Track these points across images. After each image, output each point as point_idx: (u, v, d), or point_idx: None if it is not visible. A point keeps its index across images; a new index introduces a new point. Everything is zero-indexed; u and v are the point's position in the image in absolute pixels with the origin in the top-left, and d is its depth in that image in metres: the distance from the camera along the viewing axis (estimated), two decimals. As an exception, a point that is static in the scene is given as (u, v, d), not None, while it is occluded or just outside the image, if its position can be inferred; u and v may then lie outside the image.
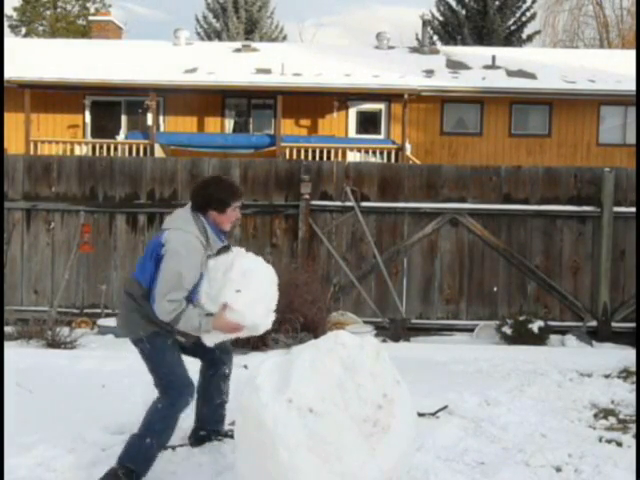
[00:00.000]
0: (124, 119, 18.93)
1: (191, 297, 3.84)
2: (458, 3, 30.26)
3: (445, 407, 5.22)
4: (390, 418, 3.27)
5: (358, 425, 3.19)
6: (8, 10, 33.02)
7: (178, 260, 3.73)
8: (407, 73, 18.14)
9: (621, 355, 7.50)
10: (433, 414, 5.07)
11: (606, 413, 5.39)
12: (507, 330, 8.72)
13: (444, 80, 18.31)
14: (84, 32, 30.77)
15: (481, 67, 19.18)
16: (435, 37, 29.54)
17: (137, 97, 18.03)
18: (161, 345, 3.92)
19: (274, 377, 3.31)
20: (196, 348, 4.07)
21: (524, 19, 30.32)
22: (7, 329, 8.15)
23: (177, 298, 3.74)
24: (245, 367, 4.06)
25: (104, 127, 18.68)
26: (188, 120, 18.71)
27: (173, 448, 4.30)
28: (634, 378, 6.36)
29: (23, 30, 34.21)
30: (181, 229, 3.81)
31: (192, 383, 3.96)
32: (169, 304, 3.73)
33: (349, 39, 48.39)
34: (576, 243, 9.30)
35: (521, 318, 8.78)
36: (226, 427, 4.44)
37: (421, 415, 4.56)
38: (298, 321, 7.67)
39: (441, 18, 30.75)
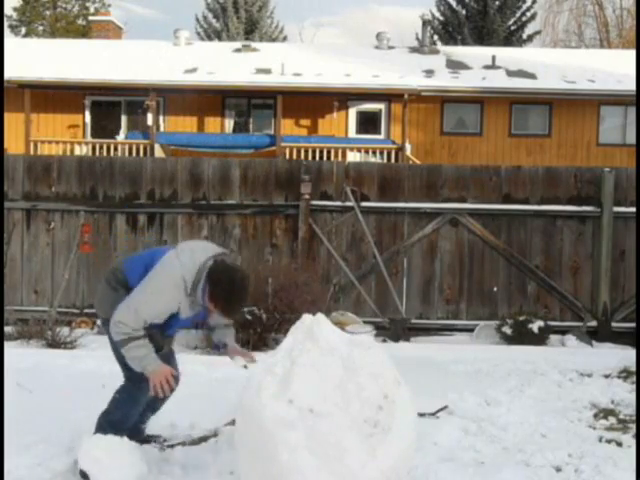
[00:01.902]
0: (124, 119, 18.93)
1: (164, 330, 3.84)
2: (458, 3, 30.25)
3: (445, 407, 5.22)
4: (391, 419, 3.24)
5: (359, 426, 3.17)
6: (8, 10, 33.03)
7: (154, 288, 3.68)
8: (407, 73, 18.13)
9: (621, 355, 7.50)
10: (433, 414, 5.07)
11: (606, 413, 5.39)
12: (507, 330, 8.72)
13: (444, 80, 18.31)
14: (84, 32, 30.75)
15: (481, 67, 19.18)
16: (435, 37, 29.53)
17: (137, 97, 18.03)
18: (142, 385, 3.83)
19: (275, 377, 3.28)
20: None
21: (524, 19, 30.30)
22: (7, 329, 8.15)
23: (129, 324, 3.65)
24: (245, 367, 4.05)
25: (104, 127, 18.69)
26: (188, 120, 18.71)
27: (172, 447, 4.31)
28: (634, 378, 6.35)
29: (23, 30, 34.19)
30: (181, 261, 3.73)
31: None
32: (120, 326, 3.66)
33: (349, 39, 48.34)
34: (576, 243, 9.30)
35: (521, 318, 8.78)
36: (223, 426, 4.45)
37: (421, 415, 4.56)
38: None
39: (441, 18, 30.73)
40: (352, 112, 18.79)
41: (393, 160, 17.11)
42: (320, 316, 3.51)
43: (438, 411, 5.14)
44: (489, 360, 7.25)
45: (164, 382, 3.71)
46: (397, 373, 3.46)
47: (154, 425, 4.78)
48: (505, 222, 9.31)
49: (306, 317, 3.51)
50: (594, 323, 9.18)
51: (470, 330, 9.13)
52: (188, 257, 3.74)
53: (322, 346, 3.34)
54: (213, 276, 3.69)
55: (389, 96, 18.04)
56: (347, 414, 3.17)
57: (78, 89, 18.05)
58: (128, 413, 3.98)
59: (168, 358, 4.06)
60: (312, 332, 3.39)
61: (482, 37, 28.67)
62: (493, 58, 19.18)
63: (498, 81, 18.23)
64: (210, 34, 31.77)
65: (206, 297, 3.71)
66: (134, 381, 3.87)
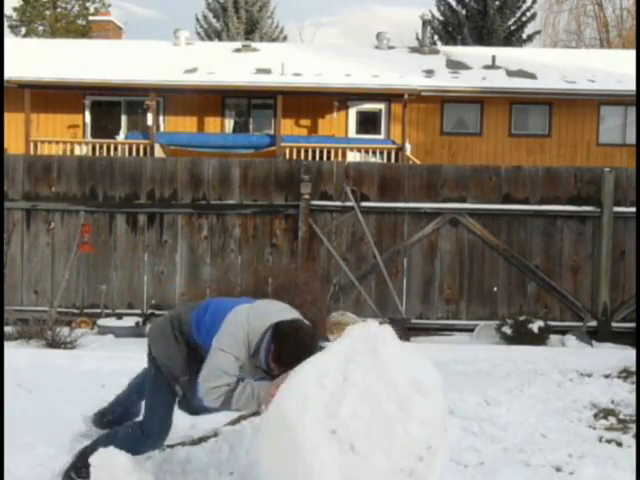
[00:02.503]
0: (124, 119, 18.93)
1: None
2: (458, 3, 30.26)
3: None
4: (428, 471, 3.05)
5: (394, 473, 2.98)
6: (8, 10, 33.02)
7: (224, 344, 3.45)
8: (407, 73, 18.13)
9: (621, 355, 7.51)
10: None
11: (606, 413, 5.39)
12: (507, 330, 8.72)
13: (444, 80, 18.31)
14: (84, 32, 30.75)
15: (481, 67, 19.18)
16: (435, 37, 29.54)
17: (137, 97, 18.03)
18: (163, 381, 3.76)
19: (324, 391, 3.03)
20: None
21: (524, 19, 30.31)
22: (7, 329, 8.15)
23: (222, 383, 3.43)
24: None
25: (104, 127, 18.68)
26: (188, 120, 18.71)
27: (171, 447, 4.31)
28: (634, 378, 6.35)
29: (23, 30, 34.18)
30: (249, 319, 3.50)
31: (165, 433, 3.81)
32: (216, 391, 3.43)
33: (349, 39, 48.38)
34: (576, 243, 9.30)
35: (521, 318, 8.78)
36: (223, 427, 4.43)
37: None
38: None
39: (441, 18, 30.74)
40: (352, 112, 18.79)
41: (393, 160, 17.11)
42: (387, 329, 3.25)
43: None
44: (489, 360, 7.25)
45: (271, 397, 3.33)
46: (446, 416, 3.28)
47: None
48: (505, 222, 9.31)
49: (372, 324, 3.26)
50: (594, 323, 9.18)
51: (470, 330, 9.13)
52: (258, 318, 3.52)
53: (382, 369, 3.10)
54: (279, 337, 3.42)
55: (389, 96, 18.04)
56: (386, 459, 2.99)
57: (78, 89, 18.04)
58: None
59: None
60: (375, 347, 3.14)
61: (482, 37, 28.68)
62: (493, 58, 19.18)
63: (498, 81, 18.23)
64: (210, 34, 31.77)
65: (270, 357, 3.45)
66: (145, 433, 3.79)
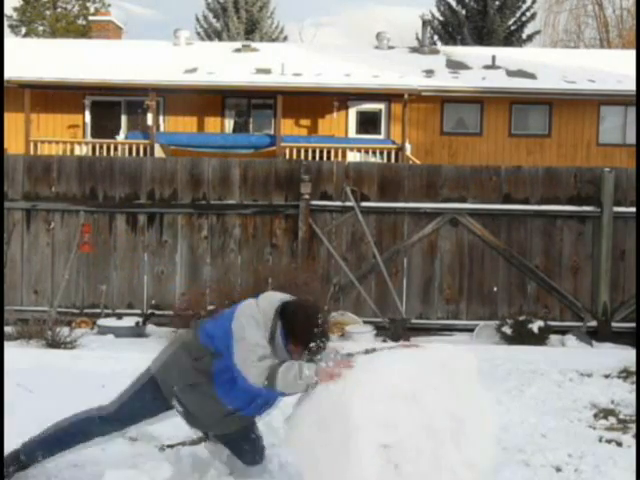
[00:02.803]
0: (124, 119, 18.93)
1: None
2: (458, 3, 30.26)
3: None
4: None
5: None
6: (8, 10, 33.01)
7: (246, 324, 3.44)
8: (407, 73, 18.13)
9: (621, 355, 7.51)
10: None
11: (606, 413, 5.39)
12: (507, 330, 8.72)
13: (444, 80, 18.32)
14: (84, 32, 30.74)
15: (481, 67, 19.18)
16: (435, 37, 29.55)
17: (137, 97, 18.03)
18: (150, 386, 3.70)
19: (390, 403, 2.97)
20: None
21: (524, 19, 30.32)
22: (7, 329, 8.14)
23: (259, 355, 3.36)
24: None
25: (104, 127, 18.69)
26: (188, 120, 18.72)
27: (171, 447, 4.30)
28: (634, 378, 6.36)
29: (23, 30, 34.18)
30: (259, 305, 3.53)
31: (123, 425, 3.76)
32: (254, 366, 3.36)
33: (349, 39, 48.33)
34: (576, 243, 9.30)
35: (521, 318, 8.78)
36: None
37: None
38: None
39: (441, 18, 30.75)
40: (352, 112, 18.79)
41: (393, 160, 17.11)
42: (470, 359, 3.25)
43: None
44: (489, 360, 7.24)
45: (335, 374, 3.21)
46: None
47: (155, 425, 4.77)
48: (505, 222, 9.31)
49: (443, 349, 3.26)
50: (594, 323, 9.17)
51: (470, 330, 9.13)
52: (266, 301, 3.56)
53: (451, 402, 3.04)
54: (287, 316, 3.46)
55: (389, 96, 18.04)
56: None
57: (78, 89, 18.05)
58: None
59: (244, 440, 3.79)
60: (453, 377, 3.10)
61: (482, 37, 28.68)
62: (493, 58, 19.18)
63: (498, 81, 18.23)
64: (210, 34, 31.78)
65: (289, 341, 3.44)
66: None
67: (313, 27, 64.17)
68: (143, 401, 3.73)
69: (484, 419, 3.14)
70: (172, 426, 4.62)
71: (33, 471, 4.02)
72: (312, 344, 3.40)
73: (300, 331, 3.42)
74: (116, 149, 17.54)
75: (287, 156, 16.92)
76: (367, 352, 3.35)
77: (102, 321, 8.94)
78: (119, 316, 9.10)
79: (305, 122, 18.74)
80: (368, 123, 18.75)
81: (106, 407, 3.78)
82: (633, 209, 9.09)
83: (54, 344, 7.93)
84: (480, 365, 7.17)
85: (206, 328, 3.66)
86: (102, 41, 21.72)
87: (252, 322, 3.43)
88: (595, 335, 9.06)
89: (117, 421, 3.76)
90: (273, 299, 3.57)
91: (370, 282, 9.32)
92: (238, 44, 21.88)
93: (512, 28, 29.98)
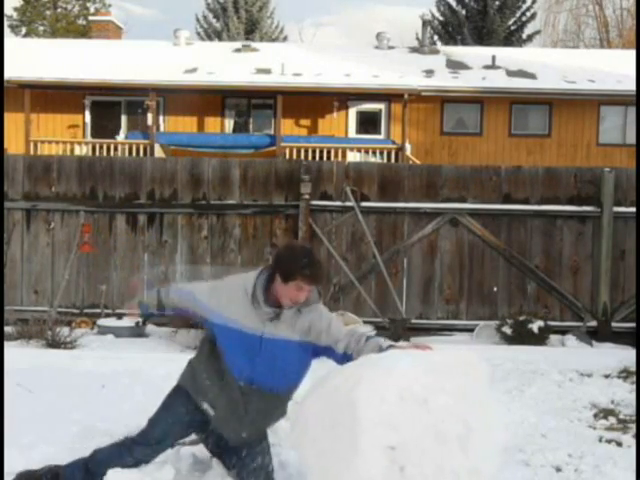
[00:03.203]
0: (124, 119, 18.94)
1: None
2: (458, 3, 30.26)
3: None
4: None
5: None
6: (8, 10, 33.02)
7: (216, 284, 3.64)
8: (407, 73, 18.13)
9: (621, 355, 7.51)
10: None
11: (606, 413, 5.39)
12: (507, 330, 8.72)
13: (444, 80, 18.31)
14: (84, 32, 30.75)
15: (481, 67, 19.18)
16: (435, 37, 29.54)
17: (137, 97, 18.04)
18: (179, 399, 3.69)
19: (401, 405, 2.96)
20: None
21: (524, 19, 30.32)
22: (7, 329, 8.15)
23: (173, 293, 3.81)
24: None
25: (104, 127, 18.69)
26: (188, 120, 18.72)
27: (171, 447, 4.30)
28: (634, 378, 6.36)
29: (23, 30, 34.19)
30: (243, 276, 3.56)
31: (162, 447, 3.68)
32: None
33: (349, 39, 48.36)
34: (576, 243, 9.30)
35: (521, 318, 8.78)
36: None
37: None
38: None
39: (441, 18, 30.75)
40: (352, 112, 18.79)
41: (393, 160, 17.11)
42: (485, 368, 3.22)
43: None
44: (489, 360, 7.22)
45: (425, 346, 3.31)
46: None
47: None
48: (505, 222, 9.31)
49: (457, 354, 3.28)
50: (594, 323, 9.17)
51: (470, 330, 9.13)
52: (249, 274, 3.54)
53: (464, 410, 3.03)
54: (272, 262, 3.47)
55: (389, 96, 18.04)
56: None
57: (78, 89, 18.05)
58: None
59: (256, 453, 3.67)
60: (467, 384, 3.08)
61: (482, 37, 28.68)
62: (493, 58, 19.18)
63: (498, 81, 18.23)
64: (210, 34, 31.78)
65: (275, 285, 3.37)
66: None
67: (313, 27, 64.26)
68: (174, 415, 3.66)
69: (493, 427, 3.13)
70: (166, 447, 4.63)
71: (33, 471, 4.02)
72: (303, 273, 3.31)
73: (285, 261, 3.36)
74: (116, 149, 17.54)
75: (287, 156, 16.92)
76: (381, 349, 3.30)
77: (102, 321, 8.94)
78: (119, 316, 9.09)
79: (305, 122, 18.74)
80: (368, 123, 18.75)
81: (138, 432, 3.73)
82: (633, 209, 9.09)
83: (54, 344, 7.93)
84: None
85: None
86: (102, 41, 21.73)
87: (233, 286, 3.51)
88: (595, 335, 9.06)
89: (149, 444, 3.66)
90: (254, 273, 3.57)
91: (370, 282, 9.32)
92: (238, 44, 21.88)
93: (512, 28, 29.98)
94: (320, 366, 3.52)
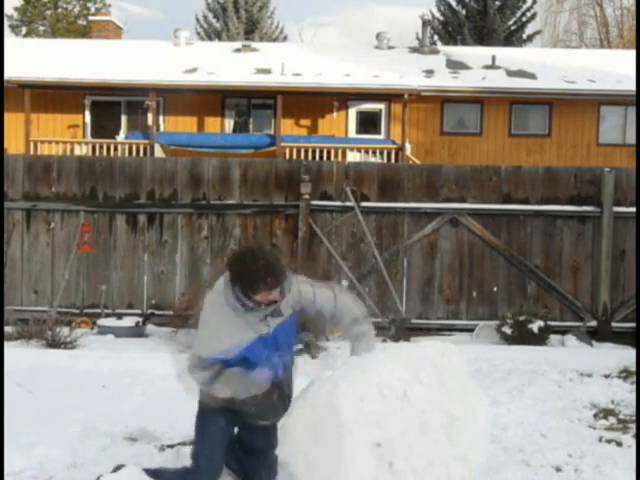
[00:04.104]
0: (124, 119, 18.93)
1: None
2: (458, 3, 30.26)
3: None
4: None
5: None
6: (9, 10, 33.04)
7: (202, 329, 3.42)
8: (407, 73, 18.13)
9: (621, 355, 7.51)
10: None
11: (606, 413, 5.40)
12: (507, 330, 8.71)
13: (444, 80, 18.31)
14: (84, 32, 30.77)
15: (481, 67, 19.18)
16: (435, 37, 29.54)
17: (137, 97, 18.03)
18: (207, 418, 3.58)
19: (381, 402, 2.98)
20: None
21: (524, 19, 30.30)
22: (7, 329, 8.15)
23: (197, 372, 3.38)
24: None
25: (104, 127, 18.69)
26: (188, 120, 18.71)
27: (172, 447, 4.31)
28: (634, 378, 6.36)
29: (24, 30, 34.20)
30: (215, 290, 3.48)
31: (216, 472, 3.59)
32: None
33: (348, 39, 48.40)
34: (576, 243, 9.30)
35: (521, 318, 8.77)
36: None
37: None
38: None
39: (441, 18, 30.74)
40: (352, 112, 18.79)
41: (393, 160, 17.11)
42: (458, 357, 3.24)
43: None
44: (489, 360, 7.25)
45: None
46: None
47: (155, 425, 4.79)
48: (505, 222, 9.31)
49: (432, 346, 3.27)
50: (594, 323, 9.17)
51: (470, 330, 9.13)
52: (220, 282, 3.47)
53: (442, 398, 3.06)
54: (230, 270, 3.33)
55: (389, 96, 18.04)
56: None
57: (78, 89, 18.04)
58: None
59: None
60: (443, 374, 3.11)
61: (482, 37, 28.67)
62: (493, 58, 19.18)
63: (498, 81, 18.23)
64: (210, 34, 31.77)
65: (244, 294, 3.29)
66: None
67: (313, 27, 64.20)
68: (216, 434, 3.57)
69: (476, 414, 3.16)
70: (172, 426, 4.64)
71: (33, 472, 4.03)
72: (266, 284, 3.22)
73: (242, 278, 3.24)
74: (116, 149, 17.54)
75: (287, 156, 16.92)
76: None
77: (102, 321, 8.94)
78: (119, 316, 9.10)
79: (305, 122, 18.74)
80: (368, 123, 18.75)
81: (188, 470, 3.66)
82: (633, 209, 9.09)
83: (54, 344, 7.93)
84: (480, 365, 7.22)
85: None
86: (102, 41, 21.72)
87: (212, 311, 3.41)
88: (595, 335, 9.05)
89: (201, 472, 3.58)
90: (217, 285, 3.49)
91: (370, 282, 9.32)
92: (238, 44, 21.88)
93: (512, 28, 29.96)
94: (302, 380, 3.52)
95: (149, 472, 3.70)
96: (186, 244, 9.38)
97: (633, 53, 18.43)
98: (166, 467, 3.86)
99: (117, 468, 3.73)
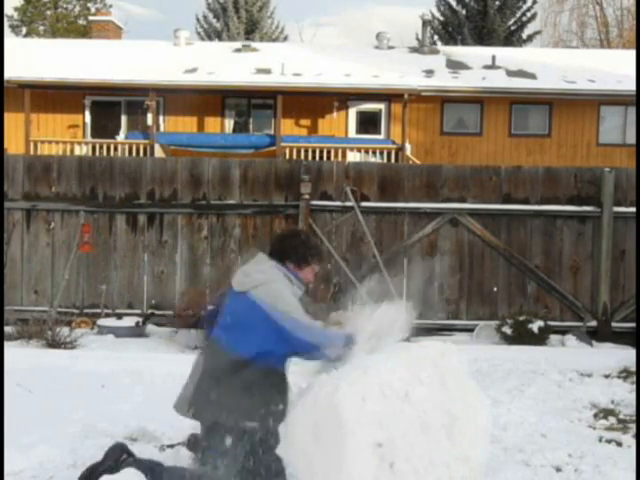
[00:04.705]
0: (124, 119, 18.92)
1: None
2: (458, 3, 30.25)
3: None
4: None
5: None
6: (9, 10, 33.03)
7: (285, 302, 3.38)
8: (407, 73, 18.12)
9: (621, 355, 7.51)
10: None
11: (606, 413, 5.40)
12: (507, 330, 8.72)
13: (444, 80, 18.30)
14: (84, 32, 30.76)
15: (481, 67, 19.17)
16: (435, 37, 29.54)
17: (137, 97, 18.02)
18: (270, 452, 3.41)
19: (383, 402, 2.97)
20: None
21: (524, 19, 30.29)
22: (7, 329, 8.15)
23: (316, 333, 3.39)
24: None
25: (104, 127, 18.68)
26: (188, 120, 18.70)
27: (172, 447, 4.31)
28: (634, 378, 6.36)
29: (24, 30, 34.20)
30: (267, 282, 3.43)
31: None
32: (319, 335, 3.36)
33: (348, 39, 48.37)
34: (576, 243, 9.30)
35: (521, 318, 8.78)
36: None
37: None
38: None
39: (441, 18, 30.73)
40: (352, 112, 18.78)
41: (393, 160, 17.10)
42: (459, 357, 3.24)
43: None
44: (489, 360, 7.26)
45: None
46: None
47: (155, 425, 4.78)
48: (505, 222, 9.31)
49: (432, 346, 3.25)
50: (594, 323, 9.17)
51: (470, 330, 9.13)
52: (260, 259, 3.60)
53: (444, 398, 3.07)
54: (286, 251, 3.56)
55: (389, 96, 18.03)
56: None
57: (78, 89, 18.03)
58: None
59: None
60: (444, 374, 3.11)
61: (482, 37, 28.67)
62: (493, 58, 19.17)
63: (498, 81, 18.22)
64: (210, 34, 31.76)
65: (302, 269, 3.57)
66: None
67: (313, 27, 64.16)
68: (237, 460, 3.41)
69: (476, 414, 3.16)
70: (172, 426, 4.64)
71: (33, 472, 4.03)
72: (318, 258, 3.64)
73: (297, 250, 3.56)
74: (116, 149, 17.53)
75: (287, 156, 16.91)
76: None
77: (102, 321, 8.94)
78: (119, 316, 9.10)
79: (305, 122, 18.73)
80: (368, 123, 18.74)
81: None
82: (633, 209, 9.09)
83: (54, 344, 7.94)
84: (480, 365, 7.22)
85: (221, 339, 3.42)
86: (102, 41, 21.71)
87: (278, 282, 3.46)
88: (595, 335, 9.06)
89: None
90: (258, 257, 3.63)
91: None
92: (238, 44, 21.87)
93: (512, 28, 29.95)
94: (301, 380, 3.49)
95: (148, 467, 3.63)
96: (186, 244, 9.38)
97: (633, 53, 18.42)
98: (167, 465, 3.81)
99: (115, 462, 3.65)
